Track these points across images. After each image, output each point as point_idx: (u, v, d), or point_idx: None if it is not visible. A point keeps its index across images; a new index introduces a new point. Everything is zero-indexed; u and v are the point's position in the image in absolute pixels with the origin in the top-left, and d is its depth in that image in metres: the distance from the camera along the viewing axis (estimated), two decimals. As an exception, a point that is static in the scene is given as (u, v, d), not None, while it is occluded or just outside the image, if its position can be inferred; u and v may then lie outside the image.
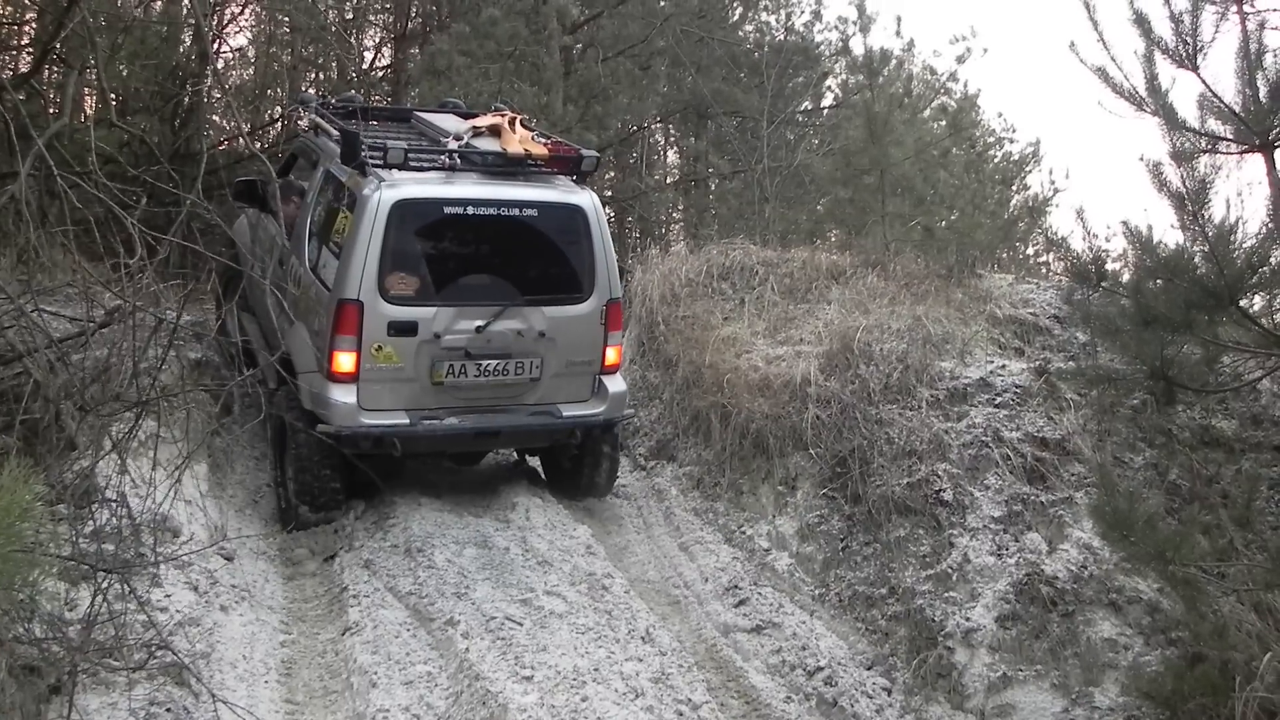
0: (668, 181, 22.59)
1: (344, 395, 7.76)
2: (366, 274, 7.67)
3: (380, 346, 7.77)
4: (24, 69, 12.55)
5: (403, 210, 7.76)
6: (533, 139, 8.61)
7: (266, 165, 8.51)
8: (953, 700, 6.54)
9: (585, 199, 8.31)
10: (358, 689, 5.97)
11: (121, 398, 5.94)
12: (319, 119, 9.41)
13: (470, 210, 7.95)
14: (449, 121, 9.22)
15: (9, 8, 13.86)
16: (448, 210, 7.93)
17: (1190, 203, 5.51)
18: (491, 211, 8.00)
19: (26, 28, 13.72)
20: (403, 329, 7.80)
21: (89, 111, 14.84)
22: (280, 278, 8.71)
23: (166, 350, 6.02)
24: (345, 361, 7.73)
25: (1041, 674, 6.49)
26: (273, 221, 9.36)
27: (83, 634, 5.17)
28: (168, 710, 5.25)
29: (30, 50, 13.51)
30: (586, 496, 8.87)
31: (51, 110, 12.78)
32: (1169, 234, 5.87)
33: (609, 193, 19.83)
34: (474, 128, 8.72)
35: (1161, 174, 5.58)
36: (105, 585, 5.20)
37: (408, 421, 7.90)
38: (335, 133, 8.70)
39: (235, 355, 9.63)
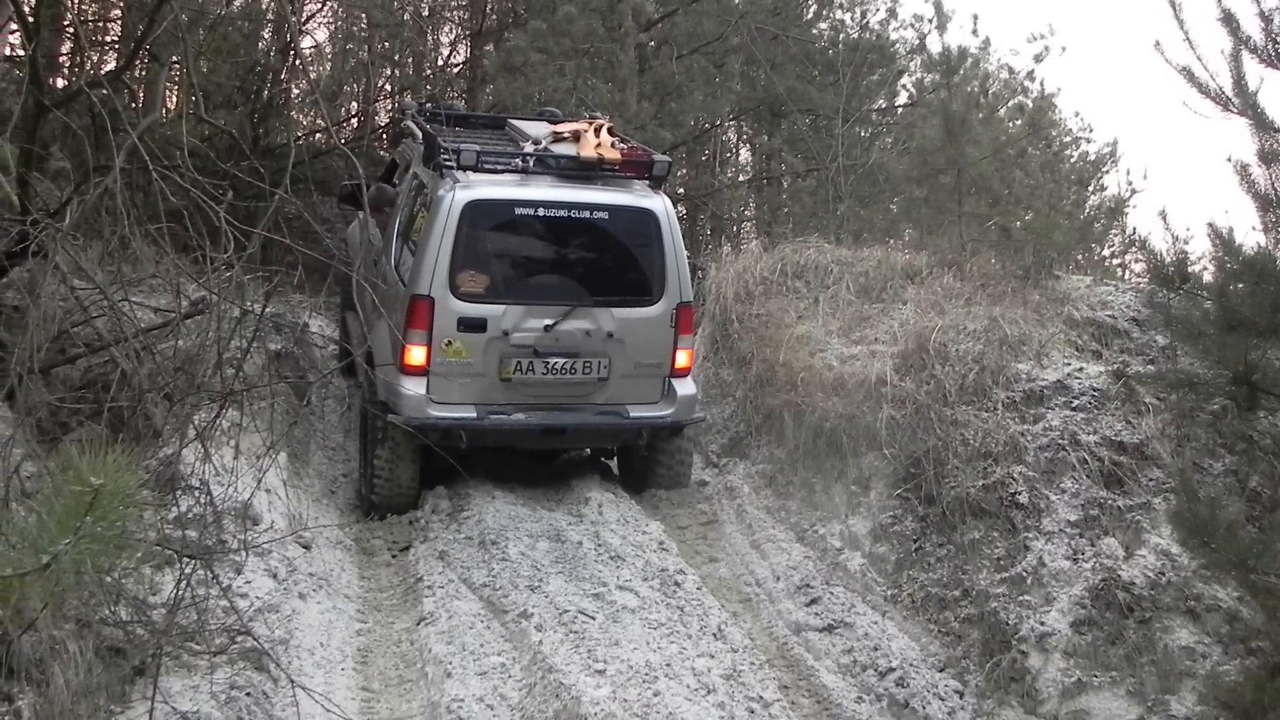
0: (741, 179, 22.53)
1: (414, 387, 7.93)
2: (438, 271, 7.85)
3: (450, 341, 7.92)
4: (108, 65, 12.81)
5: (474, 210, 7.93)
6: (612, 145, 8.68)
7: (352, 159, 8.64)
8: (1025, 705, 6.47)
9: (657, 203, 8.39)
10: (432, 678, 6.05)
11: (205, 388, 6.05)
12: (410, 124, 9.63)
13: (541, 212, 8.10)
14: (537, 128, 9.35)
15: (96, 5, 14.19)
16: (519, 211, 8.09)
17: (1277, 204, 5.43)
18: (562, 213, 8.12)
19: (112, 25, 14.04)
20: (472, 325, 7.95)
21: (170, 106, 15.14)
22: (374, 276, 8.90)
23: (250, 341, 6.12)
24: (416, 354, 7.92)
25: (1116, 680, 6.40)
26: (373, 222, 9.59)
27: (167, 618, 5.29)
28: (247, 694, 5.36)
29: (116, 47, 13.82)
30: (658, 491, 8.90)
31: (135, 105, 13.01)
32: (1251, 236, 5.80)
33: (681, 190, 19.82)
34: (555, 133, 8.84)
35: (1249, 175, 5.50)
36: (189, 571, 5.31)
37: (475, 415, 8.04)
38: (420, 135, 8.88)
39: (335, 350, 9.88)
